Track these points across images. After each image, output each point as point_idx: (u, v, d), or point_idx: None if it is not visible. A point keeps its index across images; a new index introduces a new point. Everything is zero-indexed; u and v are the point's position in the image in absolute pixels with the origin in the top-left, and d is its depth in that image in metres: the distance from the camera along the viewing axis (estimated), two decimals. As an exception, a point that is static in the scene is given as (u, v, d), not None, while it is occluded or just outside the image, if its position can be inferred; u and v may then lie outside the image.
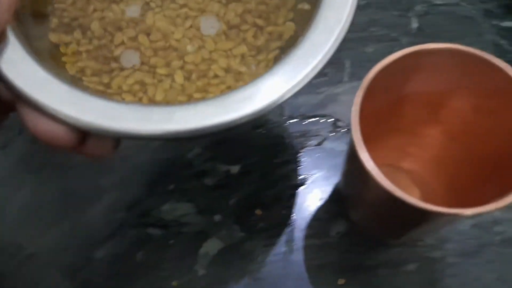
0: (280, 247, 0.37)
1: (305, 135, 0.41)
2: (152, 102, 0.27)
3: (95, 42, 0.28)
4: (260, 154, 0.40)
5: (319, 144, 0.40)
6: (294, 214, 0.38)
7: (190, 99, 0.27)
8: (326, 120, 0.41)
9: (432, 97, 0.30)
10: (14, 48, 0.22)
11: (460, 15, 0.45)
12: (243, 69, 0.28)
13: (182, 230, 0.38)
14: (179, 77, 0.27)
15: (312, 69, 0.23)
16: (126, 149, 0.40)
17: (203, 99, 0.26)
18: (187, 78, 0.28)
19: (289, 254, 0.37)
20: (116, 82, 0.27)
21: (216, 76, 0.28)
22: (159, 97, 0.27)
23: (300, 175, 0.39)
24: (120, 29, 0.29)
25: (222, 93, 0.25)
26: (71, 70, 0.27)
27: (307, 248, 0.37)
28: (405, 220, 0.28)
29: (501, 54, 0.44)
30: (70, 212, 0.38)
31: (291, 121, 0.41)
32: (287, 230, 0.37)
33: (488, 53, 0.27)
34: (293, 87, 0.23)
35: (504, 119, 0.27)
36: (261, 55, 0.28)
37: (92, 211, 0.38)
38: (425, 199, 0.37)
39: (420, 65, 0.28)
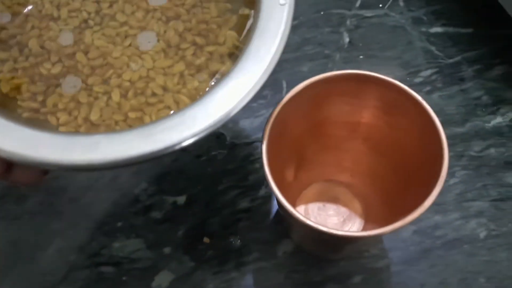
0: (230, 273, 0.38)
1: (248, 158, 0.42)
2: (87, 121, 0.27)
3: (32, 59, 0.28)
4: (204, 182, 0.41)
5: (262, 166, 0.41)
6: (241, 239, 0.38)
7: (126, 119, 0.27)
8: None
9: (348, 116, 0.32)
10: None
11: (390, 25, 0.47)
12: (181, 88, 0.28)
13: (133, 266, 0.38)
14: (115, 95, 0.28)
15: (239, 103, 0.24)
16: (73, 192, 0.41)
17: (137, 121, 0.26)
18: (124, 96, 0.28)
19: (239, 279, 0.37)
20: (51, 101, 0.27)
21: (154, 94, 0.28)
22: (94, 116, 0.27)
23: (244, 199, 0.40)
24: (58, 46, 0.29)
25: (150, 121, 0.26)
26: (5, 87, 0.27)
27: (256, 271, 0.38)
28: (331, 242, 0.29)
29: (431, 59, 0.45)
30: (21, 262, 0.39)
31: (233, 146, 0.42)
32: (236, 255, 0.38)
33: (386, 76, 0.28)
34: (217, 121, 0.24)
35: (411, 133, 0.28)
36: (201, 75, 0.29)
37: (44, 257, 0.39)
38: (366, 210, 0.38)
39: (328, 90, 0.29)
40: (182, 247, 0.38)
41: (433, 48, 0.46)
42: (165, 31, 0.30)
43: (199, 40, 0.29)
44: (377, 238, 0.35)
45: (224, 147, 0.42)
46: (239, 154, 0.41)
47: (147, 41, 0.30)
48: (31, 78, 0.28)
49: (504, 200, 0.39)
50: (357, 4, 0.48)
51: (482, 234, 0.38)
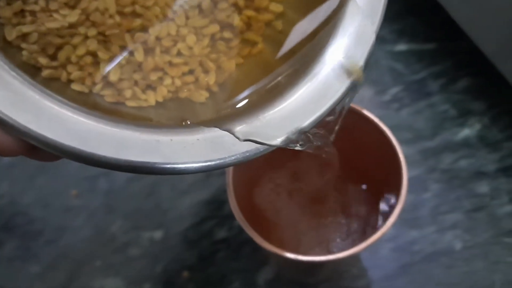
0: (212, 304, 0.37)
1: (223, 187, 0.42)
2: (106, 80, 0.23)
3: (42, 2, 0.23)
4: (180, 215, 0.41)
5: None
6: (221, 269, 0.38)
7: (146, 80, 0.23)
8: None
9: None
10: None
11: (355, 46, 0.48)
12: (209, 53, 0.24)
13: (114, 305, 0.38)
14: (139, 54, 0.23)
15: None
16: (50, 233, 0.41)
17: (157, 83, 0.23)
18: (147, 54, 0.24)
19: (221, 309, 0.37)
20: (64, 53, 0.23)
21: (179, 54, 0.24)
22: (114, 76, 0.23)
23: (221, 229, 0.40)
24: None
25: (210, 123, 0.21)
26: (10, 35, 0.22)
27: (237, 300, 0.37)
28: (304, 266, 0.29)
29: (397, 77, 0.46)
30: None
31: (207, 176, 0.42)
32: (216, 287, 0.38)
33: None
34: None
35: (371, 153, 0.29)
36: (233, 42, 0.24)
37: (22, 302, 0.38)
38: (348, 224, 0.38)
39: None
40: (161, 282, 0.38)
41: (398, 65, 0.46)
42: None
43: (240, 1, 0.25)
44: (355, 257, 0.35)
45: (197, 178, 0.42)
46: (213, 183, 0.42)
47: None
48: (40, 24, 0.23)
49: (477, 210, 0.39)
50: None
51: (458, 246, 0.38)
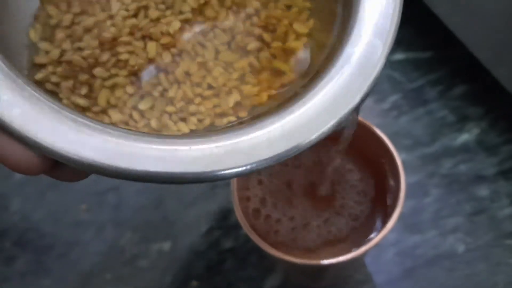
0: (220, 312, 0.38)
1: (228, 198, 0.43)
2: (136, 110, 0.23)
3: (77, 55, 0.23)
4: (187, 226, 0.42)
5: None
6: (228, 278, 0.39)
7: (177, 112, 0.23)
8: (246, 180, 0.43)
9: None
10: None
11: (353, 57, 0.49)
12: (239, 85, 0.24)
13: (125, 316, 0.39)
14: (172, 90, 0.24)
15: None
16: (61, 248, 0.42)
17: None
18: (178, 86, 0.24)
19: (229, 318, 0.38)
20: (103, 96, 0.23)
21: (210, 87, 0.24)
22: (144, 105, 0.23)
23: (228, 239, 0.41)
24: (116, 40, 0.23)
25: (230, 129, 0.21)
26: (49, 85, 0.23)
27: (245, 308, 0.38)
28: (311, 270, 0.30)
29: (395, 85, 0.47)
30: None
31: (213, 187, 0.43)
32: (224, 294, 0.39)
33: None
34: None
35: (372, 161, 0.30)
36: (262, 75, 0.25)
37: (35, 316, 0.39)
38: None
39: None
40: (170, 292, 0.39)
41: (396, 74, 0.48)
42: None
43: (265, 35, 0.25)
44: (359, 262, 0.35)
45: (203, 190, 0.43)
46: (218, 194, 0.43)
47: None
48: (74, 72, 0.23)
49: (477, 214, 0.40)
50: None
51: (460, 249, 0.39)
